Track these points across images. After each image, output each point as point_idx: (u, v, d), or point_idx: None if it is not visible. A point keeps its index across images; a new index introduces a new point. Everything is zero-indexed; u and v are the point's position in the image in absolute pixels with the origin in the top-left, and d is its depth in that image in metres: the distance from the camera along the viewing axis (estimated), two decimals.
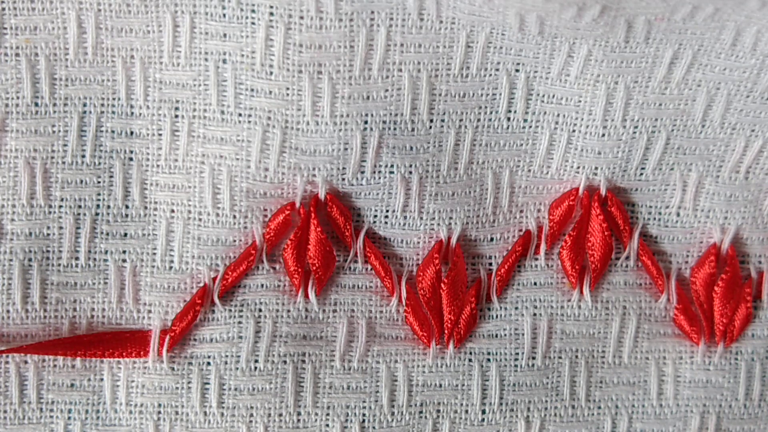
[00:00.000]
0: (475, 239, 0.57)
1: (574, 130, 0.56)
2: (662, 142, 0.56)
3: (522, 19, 0.53)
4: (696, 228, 0.58)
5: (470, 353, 0.57)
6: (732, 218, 0.58)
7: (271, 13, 0.53)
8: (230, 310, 0.56)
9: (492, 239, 0.57)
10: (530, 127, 0.56)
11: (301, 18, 0.53)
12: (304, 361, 0.56)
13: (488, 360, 0.58)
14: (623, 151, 0.56)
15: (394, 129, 0.55)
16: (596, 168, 0.56)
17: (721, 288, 0.57)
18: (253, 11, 0.53)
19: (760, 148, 0.57)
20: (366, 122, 0.55)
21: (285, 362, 0.56)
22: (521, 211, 0.57)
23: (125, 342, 0.55)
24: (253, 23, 0.53)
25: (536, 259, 0.58)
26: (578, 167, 0.56)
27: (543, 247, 0.57)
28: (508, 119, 0.56)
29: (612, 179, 0.57)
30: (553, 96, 0.55)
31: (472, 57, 0.54)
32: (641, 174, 0.57)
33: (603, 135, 0.56)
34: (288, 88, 0.54)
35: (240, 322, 0.56)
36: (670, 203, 0.57)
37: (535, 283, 0.58)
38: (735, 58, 0.54)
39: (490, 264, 0.58)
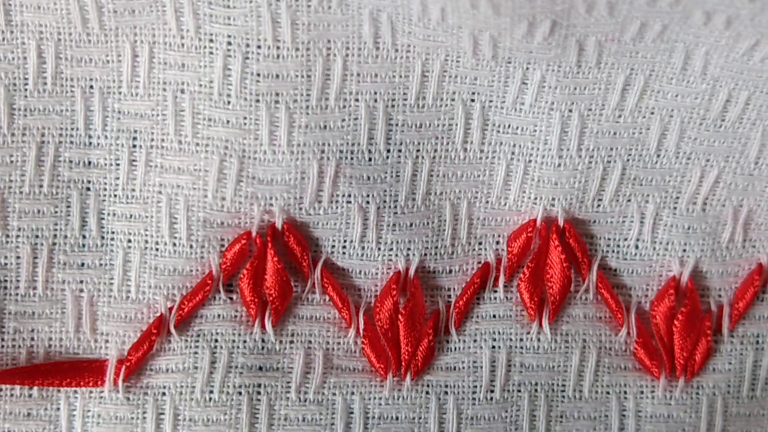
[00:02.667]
0: (434, 271, 0.57)
1: (530, 161, 0.56)
2: (618, 173, 0.56)
3: (475, 40, 0.53)
4: (655, 261, 0.57)
5: (428, 386, 0.57)
6: (691, 251, 0.57)
7: (229, 43, 0.53)
8: (186, 341, 0.55)
9: (451, 271, 0.57)
10: (487, 157, 0.56)
11: (259, 47, 0.53)
12: (259, 393, 0.56)
13: (446, 393, 0.57)
14: (579, 182, 0.56)
15: (351, 159, 0.55)
16: (553, 199, 0.56)
17: (681, 322, 0.57)
18: (211, 41, 0.54)
19: (715, 178, 0.56)
20: (323, 152, 0.55)
21: (240, 393, 0.56)
22: (480, 243, 0.57)
23: (82, 371, 0.55)
24: (211, 53, 0.54)
25: (495, 292, 0.57)
26: (535, 198, 0.56)
27: (502, 280, 0.57)
28: (465, 150, 0.56)
29: (569, 210, 0.56)
30: (509, 126, 0.55)
31: (427, 86, 0.55)
32: (599, 205, 0.57)
33: (559, 165, 0.56)
34: (245, 118, 0.54)
35: (196, 353, 0.55)
36: (628, 235, 0.57)
37: (494, 316, 0.57)
38: (686, 83, 0.55)
39: (449, 296, 0.57)
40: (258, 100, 0.54)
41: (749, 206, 0.57)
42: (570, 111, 0.55)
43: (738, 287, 0.58)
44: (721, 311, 0.58)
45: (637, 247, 0.57)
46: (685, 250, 0.57)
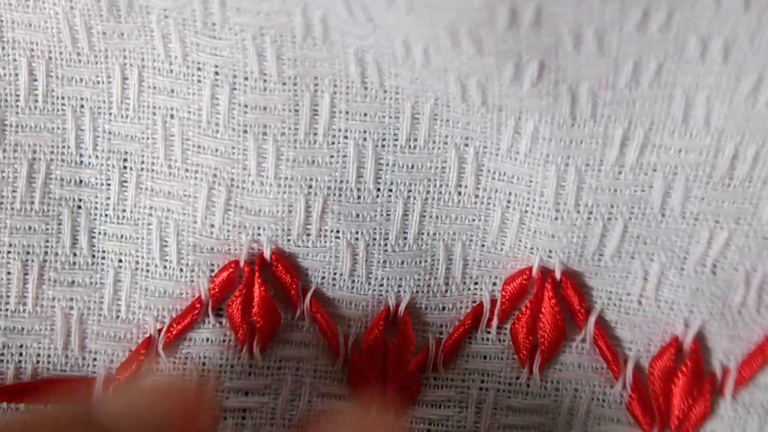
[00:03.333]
0: (426, 308, 0.55)
1: (526, 211, 0.53)
2: (619, 230, 0.52)
3: (463, 85, 0.49)
4: (659, 318, 0.54)
5: (411, 422, 0.56)
6: (698, 313, 0.53)
7: (216, 73, 0.52)
8: (174, 363, 0.56)
9: (444, 308, 0.55)
10: (482, 203, 0.53)
11: (246, 79, 0.51)
12: (244, 417, 0.56)
13: (429, 430, 0.56)
14: (578, 237, 0.53)
15: (339, 195, 0.53)
16: (550, 251, 0.53)
17: (680, 381, 0.53)
18: (199, 69, 0.52)
19: (726, 240, 0.52)
20: (310, 187, 0.53)
21: (225, 418, 0.56)
22: (476, 283, 0.55)
23: (69, 389, 0.56)
24: (199, 81, 0.52)
25: (488, 332, 0.55)
26: (532, 248, 0.53)
27: (495, 322, 0.55)
28: (459, 193, 0.53)
29: (568, 263, 0.53)
30: (504, 173, 0.52)
31: (418, 129, 0.52)
32: (599, 260, 0.53)
33: (556, 218, 0.52)
34: (233, 147, 0.53)
35: (183, 375, 0.55)
36: (631, 291, 0.54)
37: (484, 356, 0.55)
38: (689, 137, 0.50)
39: (440, 333, 0.55)
40: (246, 131, 0.52)
41: (764, 271, 0.53)
42: (566, 165, 0.51)
43: (748, 353, 0.54)
44: (725, 375, 0.54)
45: (640, 303, 0.54)
46: (691, 312, 0.53)
